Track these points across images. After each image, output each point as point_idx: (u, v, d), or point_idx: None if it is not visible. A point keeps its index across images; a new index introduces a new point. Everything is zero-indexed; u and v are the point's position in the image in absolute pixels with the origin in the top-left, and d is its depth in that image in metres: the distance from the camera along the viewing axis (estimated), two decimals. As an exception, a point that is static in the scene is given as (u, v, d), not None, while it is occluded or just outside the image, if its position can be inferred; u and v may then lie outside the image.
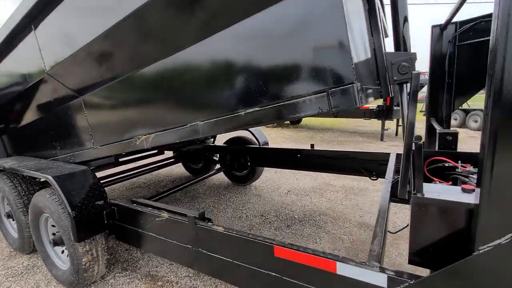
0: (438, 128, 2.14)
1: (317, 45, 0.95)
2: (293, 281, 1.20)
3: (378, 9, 1.83)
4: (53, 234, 2.14)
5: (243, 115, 1.16)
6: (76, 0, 1.51)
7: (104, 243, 1.96)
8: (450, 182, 1.39)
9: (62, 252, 2.13)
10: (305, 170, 3.40)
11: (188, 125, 1.37)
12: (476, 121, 10.44)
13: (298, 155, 3.40)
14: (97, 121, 1.88)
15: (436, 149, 1.91)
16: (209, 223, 1.48)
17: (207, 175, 3.84)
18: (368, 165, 2.89)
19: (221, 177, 4.79)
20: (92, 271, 1.93)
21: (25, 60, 1.94)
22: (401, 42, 1.91)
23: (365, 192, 3.91)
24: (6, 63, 2.11)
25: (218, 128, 1.26)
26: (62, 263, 2.11)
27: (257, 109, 1.12)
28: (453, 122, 11.46)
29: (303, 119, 13.52)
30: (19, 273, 2.32)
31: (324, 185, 4.27)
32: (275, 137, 9.55)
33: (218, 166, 4.50)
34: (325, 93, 0.94)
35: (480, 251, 0.82)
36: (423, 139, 2.49)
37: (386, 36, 2.56)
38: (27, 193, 2.36)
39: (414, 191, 1.01)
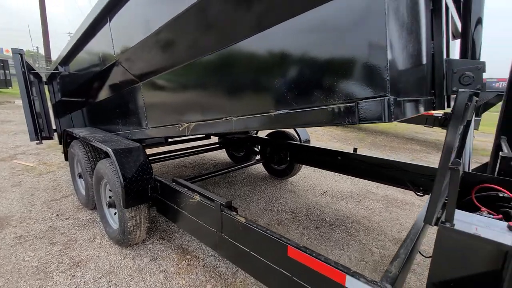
0: (504, 151, 1.84)
1: (350, 52, 0.91)
2: (302, 283, 1.22)
3: (447, 9, 1.62)
4: (110, 197, 2.51)
5: (272, 116, 1.19)
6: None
7: (146, 212, 2.23)
8: (500, 216, 1.21)
9: (115, 214, 2.50)
10: (344, 174, 3.27)
11: (223, 119, 1.46)
12: None
13: (339, 158, 3.29)
14: (151, 105, 2.12)
15: (496, 174, 1.66)
16: (234, 213, 1.58)
17: (246, 164, 3.98)
18: (416, 179, 2.66)
19: (260, 168, 4.91)
20: (135, 234, 2.23)
21: (101, 47, 2.26)
22: (469, 47, 1.68)
23: (410, 206, 3.60)
24: (87, 49, 2.50)
25: (249, 124, 1.32)
26: (114, 223, 2.49)
27: (286, 111, 1.14)
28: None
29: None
30: (82, 224, 2.80)
31: (365, 191, 4.05)
32: (322, 135, 9.26)
33: (258, 157, 4.62)
34: (354, 103, 0.91)
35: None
36: (489, 161, 2.15)
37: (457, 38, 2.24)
38: (94, 159, 2.80)
39: (444, 219, 0.93)
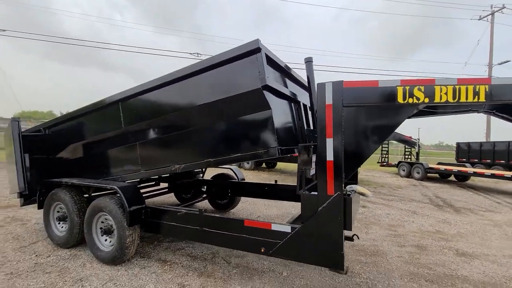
0: None
1: (265, 133, 2.46)
2: (253, 237, 2.51)
3: (305, 107, 3.47)
4: (100, 228, 3.26)
5: (233, 157, 2.60)
6: (144, 98, 3.00)
7: (139, 232, 3.12)
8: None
9: (105, 240, 3.24)
10: (271, 199, 4.75)
11: (204, 160, 2.77)
12: (418, 173, 12.61)
13: (266, 188, 4.80)
14: (145, 156, 3.22)
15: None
16: (210, 213, 2.79)
17: (194, 201, 5.07)
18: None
19: (206, 206, 5.97)
20: (130, 250, 3.05)
21: (110, 118, 3.32)
22: (309, 123, 3.52)
23: (315, 218, 5.27)
24: (97, 117, 3.49)
25: (220, 162, 2.69)
26: (105, 247, 3.20)
27: (239, 154, 2.58)
28: (401, 172, 13.59)
29: (278, 164, 15.37)
30: (66, 258, 3.32)
31: (286, 213, 5.60)
32: (252, 178, 10.89)
33: (204, 195, 5.72)
34: (267, 149, 2.42)
35: (318, 210, 2.25)
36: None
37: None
38: (79, 201, 3.49)
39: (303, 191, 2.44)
